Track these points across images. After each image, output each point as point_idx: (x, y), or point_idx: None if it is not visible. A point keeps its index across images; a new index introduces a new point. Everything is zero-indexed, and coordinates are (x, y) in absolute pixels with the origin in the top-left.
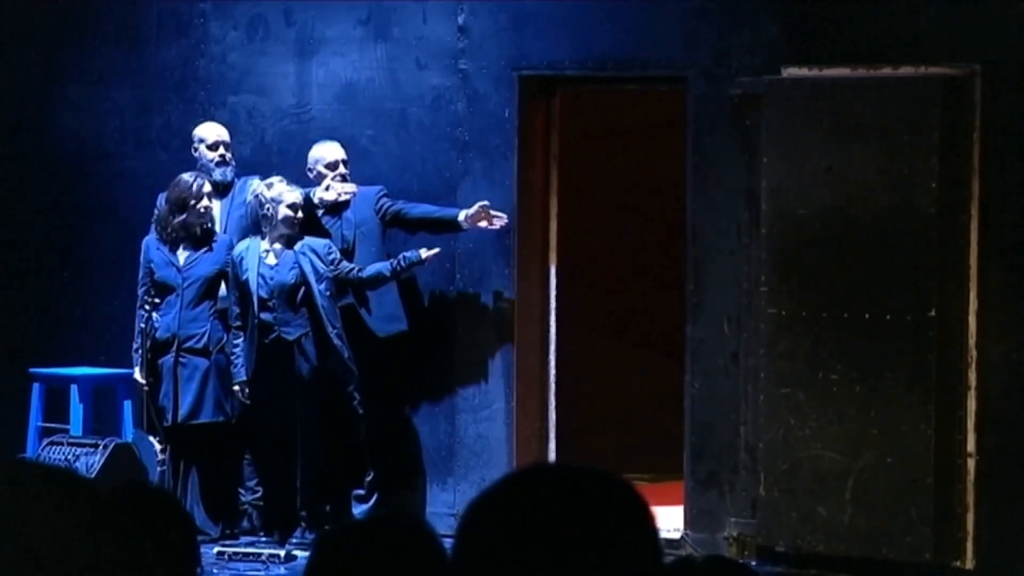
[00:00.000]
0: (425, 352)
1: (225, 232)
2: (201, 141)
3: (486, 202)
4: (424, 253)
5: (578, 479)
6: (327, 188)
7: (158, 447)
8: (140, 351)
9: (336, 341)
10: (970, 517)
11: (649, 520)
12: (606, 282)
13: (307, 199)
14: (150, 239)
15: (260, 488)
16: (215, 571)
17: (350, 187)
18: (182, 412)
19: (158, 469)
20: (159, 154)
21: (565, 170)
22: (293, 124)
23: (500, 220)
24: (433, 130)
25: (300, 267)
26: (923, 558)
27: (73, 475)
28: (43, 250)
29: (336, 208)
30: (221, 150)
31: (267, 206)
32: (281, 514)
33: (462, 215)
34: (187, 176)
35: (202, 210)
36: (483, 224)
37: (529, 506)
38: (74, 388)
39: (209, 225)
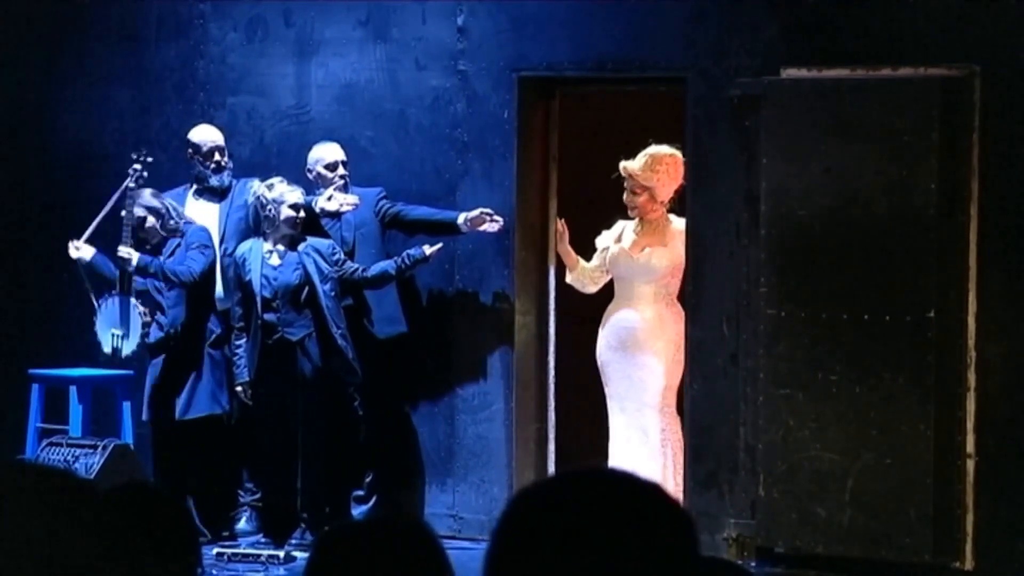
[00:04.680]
0: (424, 353)
1: (224, 235)
2: (196, 149)
3: (488, 210)
4: (428, 250)
5: (624, 488)
6: (329, 198)
7: (142, 308)
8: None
9: (340, 342)
10: (969, 518)
11: (693, 541)
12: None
13: (308, 207)
14: None
15: (259, 489)
16: (215, 572)
17: (353, 199)
18: (177, 409)
19: (140, 331)
20: (158, 155)
21: (564, 171)
22: (292, 125)
23: (496, 224)
24: (432, 131)
25: (304, 267)
26: (922, 559)
27: (72, 476)
28: (43, 250)
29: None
30: (216, 156)
31: (269, 207)
32: (281, 515)
33: (461, 218)
34: (136, 193)
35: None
36: (483, 228)
37: (569, 510)
38: (73, 389)
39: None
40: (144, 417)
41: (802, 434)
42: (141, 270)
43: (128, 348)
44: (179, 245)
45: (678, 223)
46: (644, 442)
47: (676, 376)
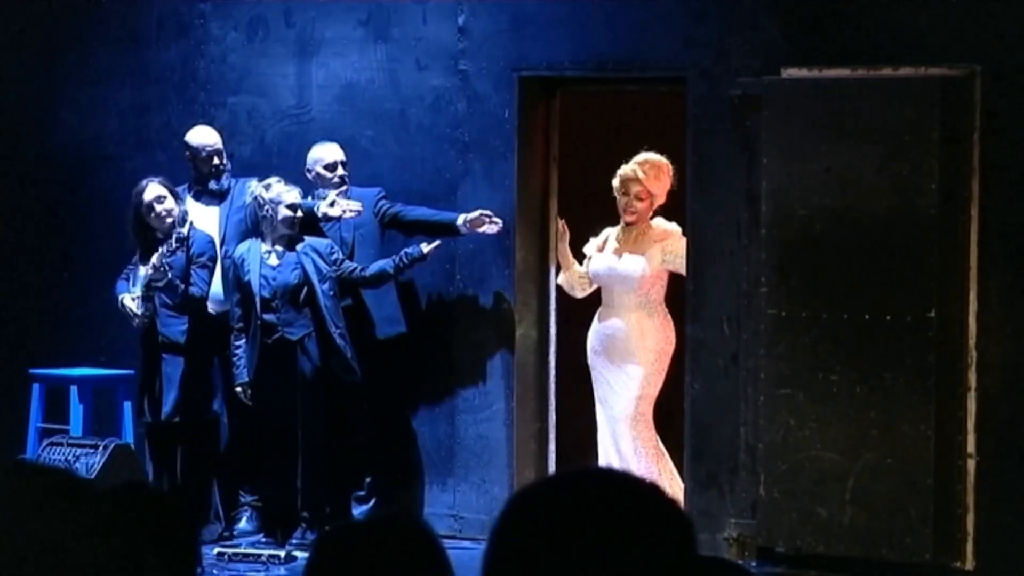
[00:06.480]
0: (425, 353)
1: (224, 236)
2: (194, 153)
3: (488, 211)
4: (426, 248)
5: (622, 488)
6: (332, 204)
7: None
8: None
9: (339, 341)
10: (970, 518)
11: (691, 541)
12: None
13: (310, 212)
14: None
15: (259, 489)
16: (215, 572)
17: (356, 205)
18: (165, 410)
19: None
20: (159, 155)
21: (565, 171)
22: (293, 125)
23: (495, 225)
24: (433, 131)
25: (303, 267)
26: (923, 559)
27: (73, 476)
28: (43, 250)
29: None
30: (215, 160)
31: (266, 207)
32: (281, 515)
33: (461, 219)
34: (139, 185)
35: (159, 215)
36: (482, 229)
37: (568, 510)
38: (74, 389)
39: (171, 223)
40: (136, 415)
41: (803, 434)
42: (170, 286)
43: (138, 307)
44: (178, 249)
45: (660, 227)
46: (616, 450)
47: (654, 387)
